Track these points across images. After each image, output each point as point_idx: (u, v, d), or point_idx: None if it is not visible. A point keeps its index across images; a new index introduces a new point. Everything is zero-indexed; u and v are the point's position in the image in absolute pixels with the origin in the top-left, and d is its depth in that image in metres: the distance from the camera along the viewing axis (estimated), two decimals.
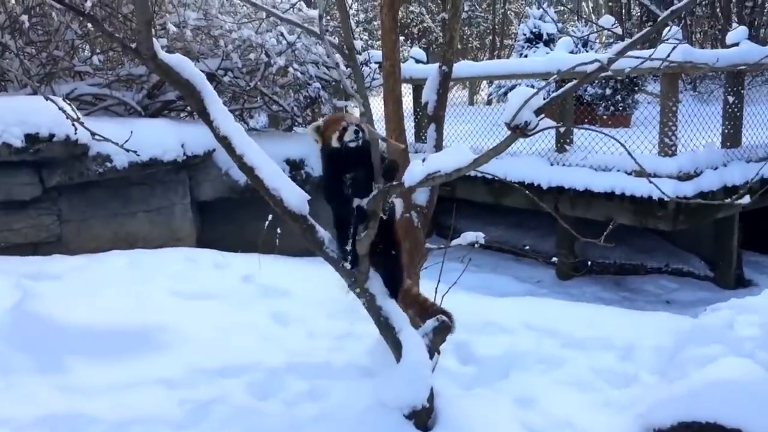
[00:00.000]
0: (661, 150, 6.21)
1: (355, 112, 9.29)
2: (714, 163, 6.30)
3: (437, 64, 3.70)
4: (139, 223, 6.41)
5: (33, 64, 6.71)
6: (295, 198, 2.92)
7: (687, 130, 6.47)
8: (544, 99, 2.15)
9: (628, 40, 1.94)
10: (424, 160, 2.63)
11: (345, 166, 2.73)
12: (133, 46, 2.63)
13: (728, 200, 2.15)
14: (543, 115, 2.08)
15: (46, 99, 2.39)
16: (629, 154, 2.16)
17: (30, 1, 6.41)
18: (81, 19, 6.36)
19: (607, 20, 8.20)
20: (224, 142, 2.87)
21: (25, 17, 6.00)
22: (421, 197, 3.53)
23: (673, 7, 1.81)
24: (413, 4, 17.98)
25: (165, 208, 6.63)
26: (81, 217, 6.03)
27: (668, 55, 2.21)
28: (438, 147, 3.65)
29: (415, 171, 2.59)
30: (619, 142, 2.31)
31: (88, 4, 6.20)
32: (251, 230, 6.08)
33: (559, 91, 2.08)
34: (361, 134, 2.69)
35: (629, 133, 6.71)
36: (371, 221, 2.84)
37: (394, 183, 2.75)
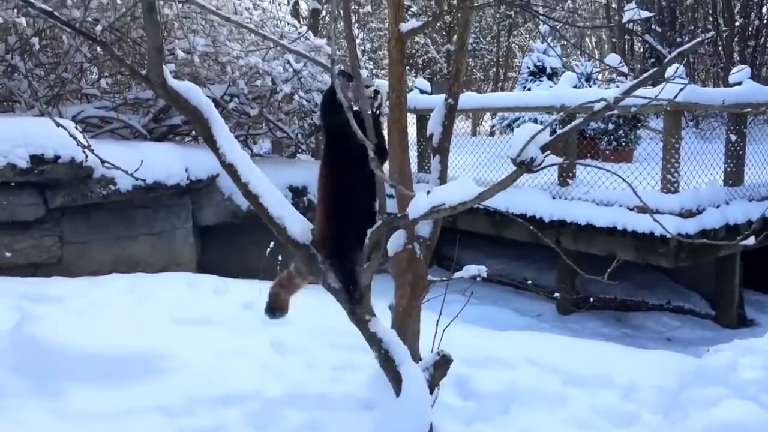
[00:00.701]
0: (664, 186, 6.23)
1: None
2: (716, 200, 6.31)
3: (443, 96, 3.72)
4: (141, 246, 6.41)
5: (41, 85, 6.77)
6: (299, 227, 2.93)
7: (689, 167, 6.49)
8: (550, 135, 2.16)
9: (632, 81, 1.96)
10: (428, 193, 2.63)
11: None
12: (143, 72, 2.66)
13: (733, 242, 2.14)
14: (549, 152, 2.09)
15: (57, 125, 2.39)
16: (634, 192, 2.17)
17: (41, 24, 6.49)
18: (91, 42, 6.43)
19: (613, 59, 8.30)
20: (230, 169, 2.89)
21: (35, 40, 6.08)
22: (424, 229, 3.52)
23: (680, 48, 1.83)
24: (419, 35, 18.20)
25: (167, 232, 6.63)
26: (83, 239, 6.02)
27: (675, 96, 2.22)
28: (442, 178, 3.65)
29: (419, 203, 2.59)
30: (624, 180, 2.32)
31: (99, 28, 6.28)
32: (252, 256, 6.08)
33: (566, 128, 2.10)
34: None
35: (632, 169, 6.73)
36: (374, 252, 2.85)
37: (399, 215, 2.76)
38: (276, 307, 3.38)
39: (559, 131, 2.07)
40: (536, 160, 2.04)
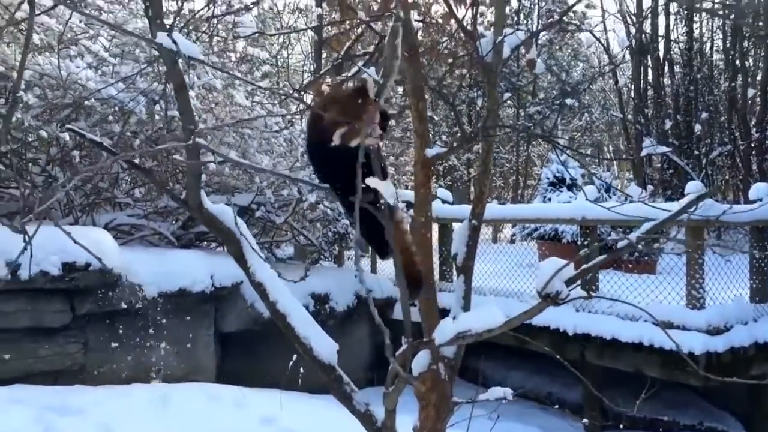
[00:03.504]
0: (689, 302, 6.17)
1: None
2: (744, 317, 6.21)
3: (464, 206, 3.80)
4: (163, 353, 6.41)
5: (77, 194, 7.04)
6: (325, 348, 2.94)
7: (713, 281, 6.45)
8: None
9: (656, 219, 2.02)
10: (454, 318, 2.67)
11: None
12: (182, 196, 2.80)
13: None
14: (574, 285, 2.13)
15: (69, 236, 2.33)
16: (654, 319, 2.18)
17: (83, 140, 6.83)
18: (133, 167, 6.67)
19: (634, 190, 8.47)
20: (259, 288, 2.95)
21: (76, 152, 6.38)
22: (448, 349, 3.51)
23: (698, 193, 1.91)
24: (440, 142, 18.74)
25: (189, 339, 6.65)
26: (106, 346, 6.05)
27: (717, 217, 2.27)
28: (466, 298, 3.67)
29: (445, 328, 2.62)
30: (644, 310, 2.34)
31: (137, 142, 6.61)
32: (273, 364, 6.06)
33: (590, 264, 2.15)
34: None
35: (656, 282, 6.71)
36: (398, 379, 2.84)
37: (424, 340, 2.78)
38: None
39: (584, 266, 2.11)
40: (561, 293, 2.08)
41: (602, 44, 17.02)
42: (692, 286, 6.15)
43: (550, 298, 2.16)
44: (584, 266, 2.08)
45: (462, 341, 2.60)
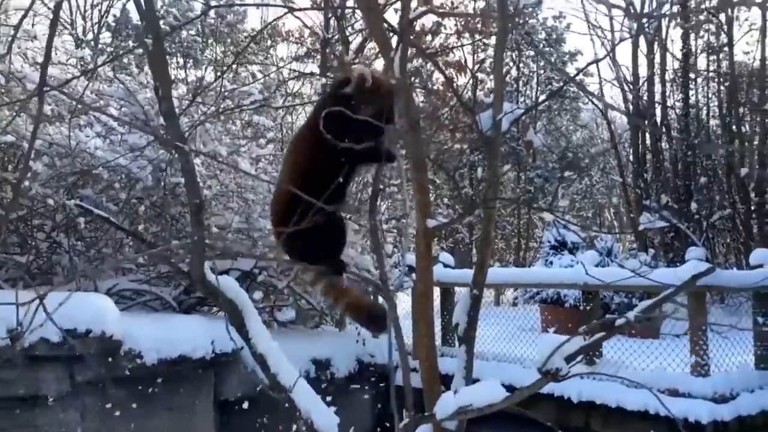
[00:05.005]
0: (694, 369, 6.11)
1: None
2: (749, 385, 6.14)
3: (466, 271, 3.83)
4: (160, 421, 6.31)
5: (81, 259, 7.07)
6: (325, 421, 2.94)
7: (717, 349, 6.39)
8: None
9: (653, 299, 2.05)
10: (455, 392, 2.66)
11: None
12: (185, 269, 2.84)
13: None
14: (574, 361, 2.14)
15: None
16: (660, 402, 2.17)
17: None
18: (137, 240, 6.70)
19: (634, 264, 8.56)
20: (260, 359, 2.97)
21: (81, 219, 6.44)
22: (450, 422, 3.48)
23: (699, 271, 1.94)
24: (441, 207, 18.86)
25: (187, 406, 6.56)
26: (103, 414, 5.95)
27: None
28: (468, 368, 3.66)
29: (447, 402, 2.62)
30: (652, 392, 2.34)
31: (142, 208, 6.68)
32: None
33: (590, 341, 2.17)
34: None
35: (659, 349, 6.66)
36: None
37: (426, 414, 2.76)
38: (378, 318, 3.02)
39: (583, 343, 2.13)
40: (562, 370, 2.09)
41: (602, 111, 17.35)
42: (696, 353, 6.11)
43: (550, 375, 2.17)
44: (583, 344, 2.10)
45: (464, 416, 2.59)
